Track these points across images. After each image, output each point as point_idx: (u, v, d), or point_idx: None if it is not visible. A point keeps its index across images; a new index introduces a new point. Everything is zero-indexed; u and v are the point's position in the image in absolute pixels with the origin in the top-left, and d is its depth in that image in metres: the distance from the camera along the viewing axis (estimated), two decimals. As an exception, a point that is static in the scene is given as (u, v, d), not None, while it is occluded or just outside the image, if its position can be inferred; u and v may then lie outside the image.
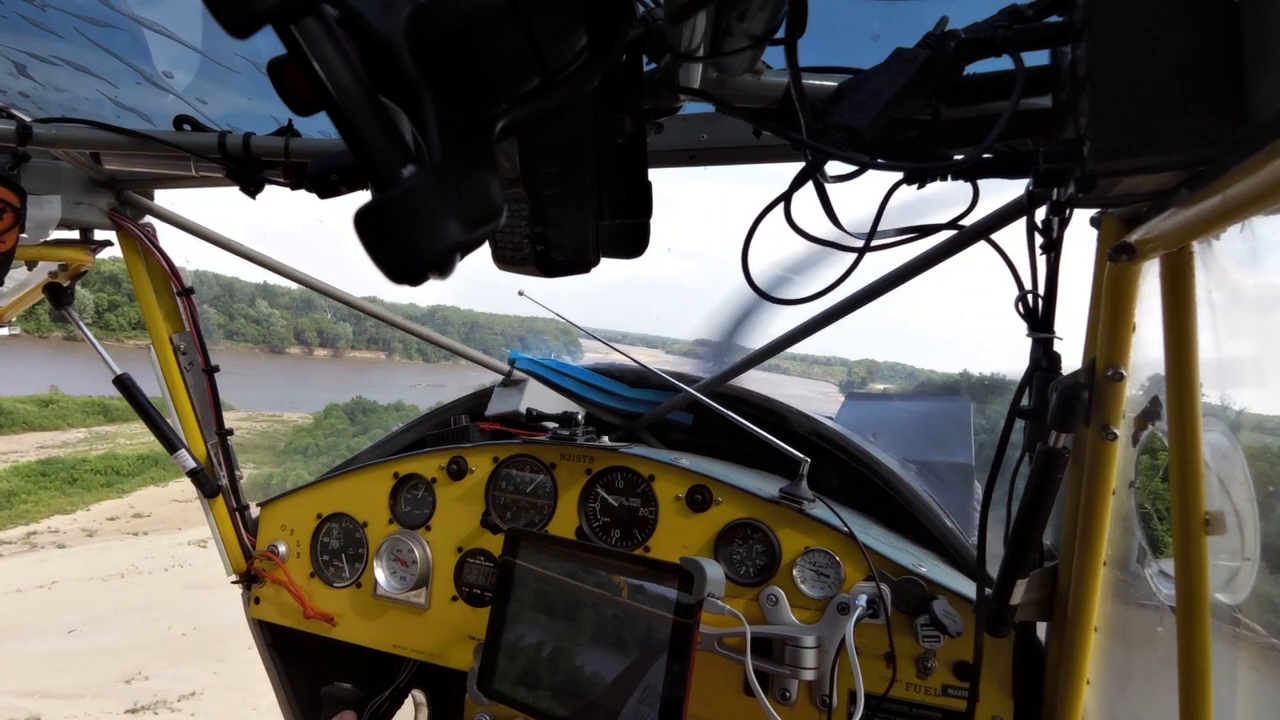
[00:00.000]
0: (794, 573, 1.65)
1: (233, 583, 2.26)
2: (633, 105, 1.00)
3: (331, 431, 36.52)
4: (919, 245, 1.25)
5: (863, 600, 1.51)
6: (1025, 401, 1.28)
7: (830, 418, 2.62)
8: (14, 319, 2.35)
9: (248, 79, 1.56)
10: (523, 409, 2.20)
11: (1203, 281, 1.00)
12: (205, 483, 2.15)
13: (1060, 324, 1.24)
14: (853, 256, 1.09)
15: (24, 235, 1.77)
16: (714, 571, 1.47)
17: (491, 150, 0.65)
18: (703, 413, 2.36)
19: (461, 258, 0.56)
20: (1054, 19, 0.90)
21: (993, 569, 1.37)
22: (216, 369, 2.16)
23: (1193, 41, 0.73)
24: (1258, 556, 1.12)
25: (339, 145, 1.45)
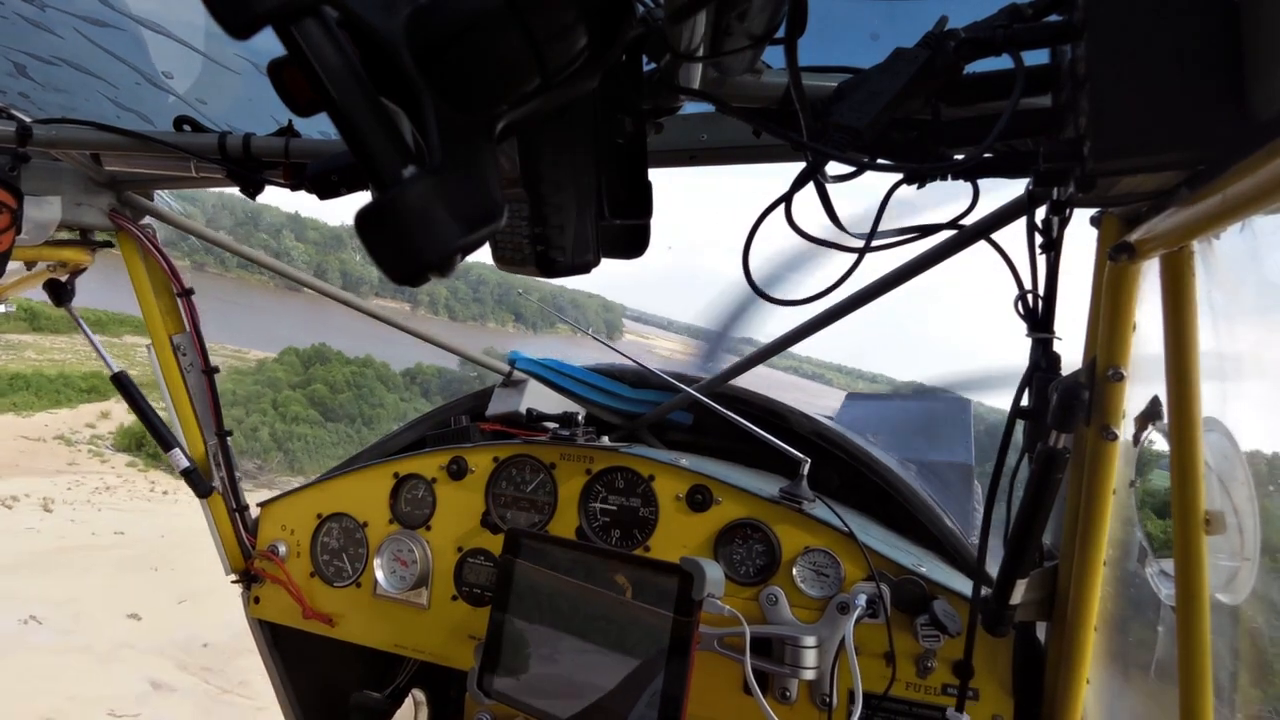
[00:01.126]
0: (794, 572, 1.65)
1: (232, 582, 2.26)
2: (633, 105, 1.00)
3: (265, 380, 31.92)
4: (919, 245, 1.25)
5: (862, 600, 1.51)
6: (1025, 402, 1.28)
7: (830, 417, 2.62)
8: (9, 298, 2.34)
9: (248, 79, 1.56)
10: (523, 409, 2.20)
11: (1203, 281, 1.00)
12: (198, 482, 2.15)
13: (1060, 324, 1.24)
14: (853, 256, 1.09)
15: (23, 236, 1.77)
16: (713, 571, 1.47)
17: (492, 150, 0.65)
18: (703, 413, 2.36)
19: (462, 258, 0.56)
20: (1053, 18, 0.90)
21: (993, 569, 1.37)
22: (216, 370, 2.16)
23: (1192, 41, 0.73)
24: (1258, 556, 1.12)
25: (339, 146, 1.45)
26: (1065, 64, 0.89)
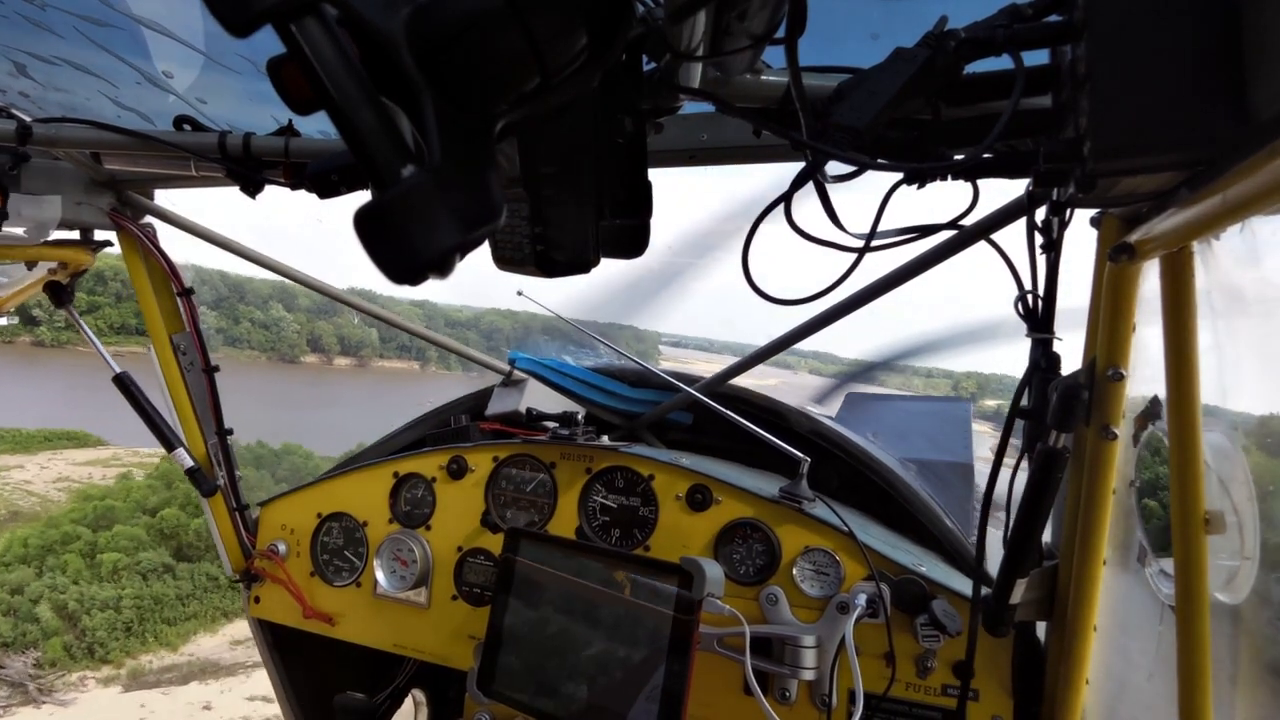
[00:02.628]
0: (794, 572, 1.65)
1: (233, 582, 2.26)
2: (633, 105, 1.00)
3: (96, 512, 21.08)
4: (919, 245, 1.25)
5: (862, 600, 1.51)
6: (1025, 402, 1.28)
7: (830, 417, 2.63)
8: (12, 309, 2.35)
9: (248, 79, 1.56)
10: (523, 409, 2.20)
11: (1203, 281, 1.00)
12: (203, 482, 2.15)
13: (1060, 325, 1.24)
14: (853, 256, 1.09)
15: (23, 236, 1.77)
16: (713, 571, 1.47)
17: (491, 150, 0.65)
18: (703, 412, 2.36)
19: (461, 258, 0.56)
20: (1054, 18, 0.90)
21: (993, 568, 1.37)
22: (216, 369, 2.17)
23: (1192, 41, 0.73)
24: (1258, 556, 1.12)
25: (339, 145, 1.45)
26: (1065, 64, 0.89)
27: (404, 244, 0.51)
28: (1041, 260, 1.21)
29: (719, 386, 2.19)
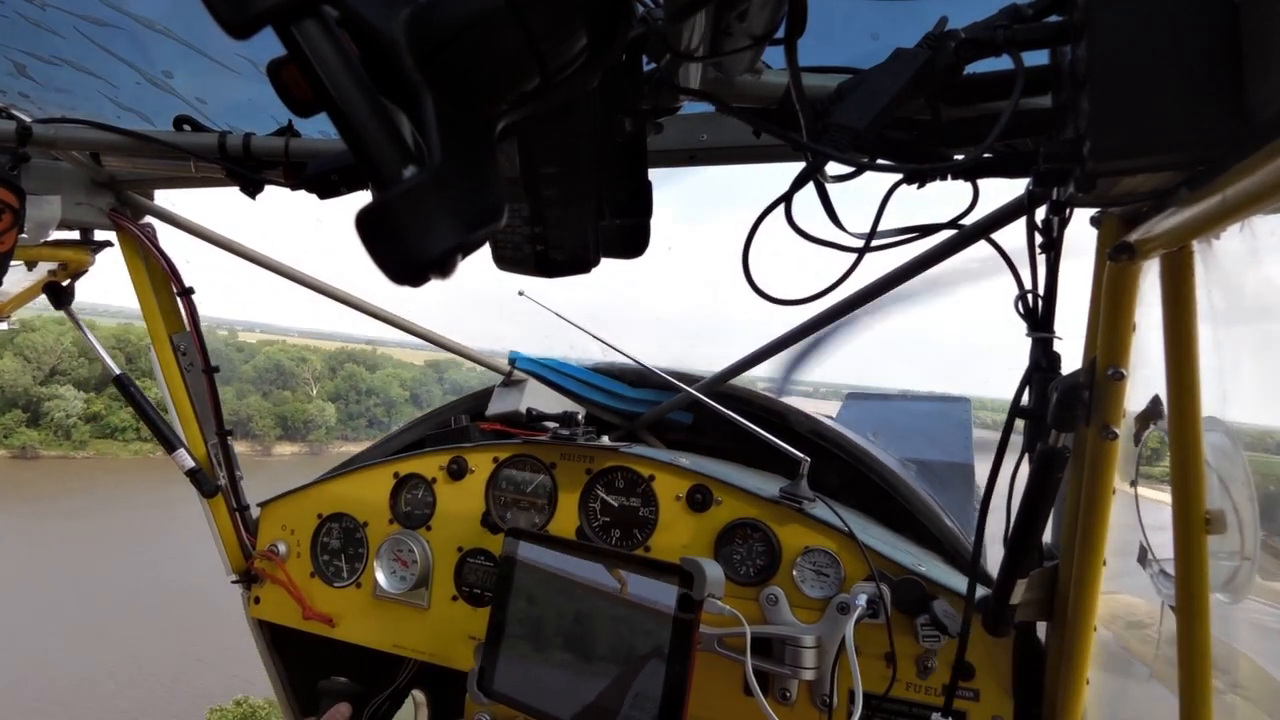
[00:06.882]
0: (794, 572, 1.65)
1: (233, 582, 2.26)
2: (633, 105, 1.00)
3: None
4: (919, 245, 1.25)
5: (863, 600, 1.51)
6: (1025, 401, 1.28)
7: (830, 417, 2.63)
8: (13, 314, 2.35)
9: (248, 79, 1.56)
10: (523, 409, 2.20)
11: (1203, 281, 1.00)
12: (204, 482, 2.15)
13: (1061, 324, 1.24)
14: (853, 256, 1.09)
15: (24, 235, 1.77)
16: (714, 571, 1.47)
17: (492, 150, 0.65)
18: (703, 413, 2.36)
19: (463, 258, 0.56)
20: (1053, 18, 0.90)
21: (994, 568, 1.37)
22: (217, 369, 2.17)
23: (1192, 41, 0.73)
24: (1258, 555, 1.12)
25: (339, 145, 1.45)
26: (1065, 64, 0.90)
27: (405, 244, 0.51)
28: (1042, 260, 1.21)
29: (719, 386, 2.19)
